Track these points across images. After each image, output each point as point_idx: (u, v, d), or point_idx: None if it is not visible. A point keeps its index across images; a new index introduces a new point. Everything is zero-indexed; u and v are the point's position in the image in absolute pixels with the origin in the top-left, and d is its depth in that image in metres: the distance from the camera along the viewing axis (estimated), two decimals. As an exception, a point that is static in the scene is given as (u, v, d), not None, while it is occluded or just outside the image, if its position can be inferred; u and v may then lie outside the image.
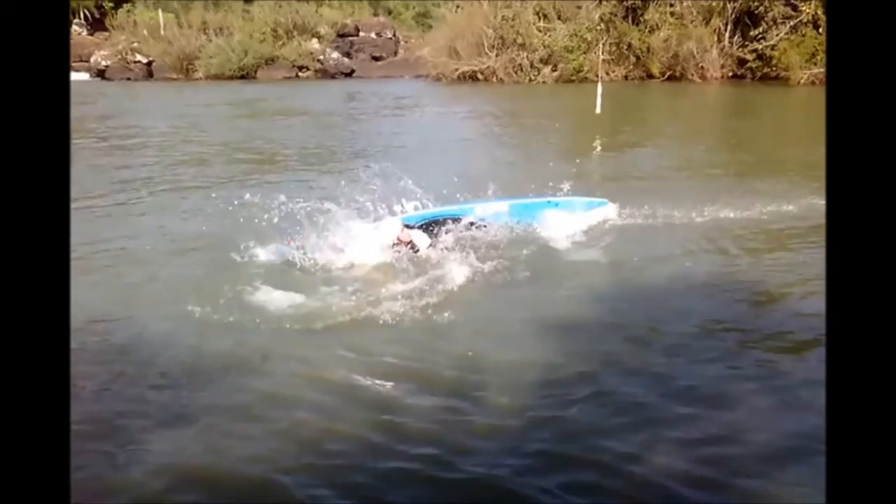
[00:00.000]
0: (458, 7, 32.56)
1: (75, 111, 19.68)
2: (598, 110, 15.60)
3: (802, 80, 24.26)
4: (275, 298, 5.14)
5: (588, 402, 3.72)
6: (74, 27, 47.20)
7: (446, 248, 6.16)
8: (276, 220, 6.04)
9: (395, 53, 38.40)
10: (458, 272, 5.68)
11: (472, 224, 6.49)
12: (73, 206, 8.05)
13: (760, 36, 25.81)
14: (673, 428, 3.49)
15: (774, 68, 25.71)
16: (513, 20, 27.62)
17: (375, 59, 37.44)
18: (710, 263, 5.95)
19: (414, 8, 46.64)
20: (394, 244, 5.95)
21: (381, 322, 4.78)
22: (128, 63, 34.69)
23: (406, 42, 39.74)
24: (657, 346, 4.44)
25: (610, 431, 3.46)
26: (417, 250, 6.01)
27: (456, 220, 6.53)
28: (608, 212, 6.96)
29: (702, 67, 26.86)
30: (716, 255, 6.17)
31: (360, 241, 5.98)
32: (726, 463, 3.21)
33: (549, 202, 6.97)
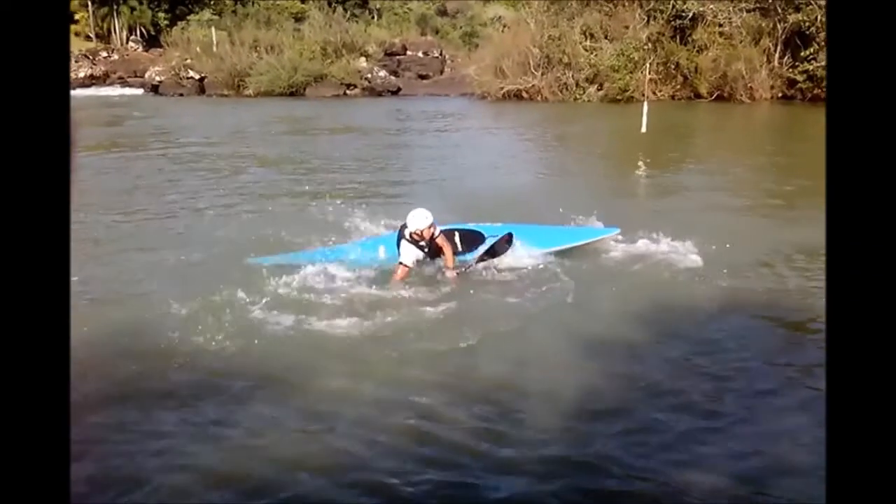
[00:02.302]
0: (504, 27, 32.79)
1: (137, 125, 20.28)
2: (643, 130, 15.47)
3: (855, 102, 23.68)
4: (308, 311, 5.24)
5: (625, 427, 3.73)
6: (131, 44, 48.92)
7: (481, 264, 6.24)
8: (316, 234, 6.15)
9: (442, 72, 38.73)
10: (493, 291, 5.76)
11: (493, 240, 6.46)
12: (119, 216, 8.33)
13: (811, 56, 25.33)
14: (708, 448, 3.53)
15: (825, 89, 25.19)
16: (559, 39, 27.64)
17: (422, 77, 37.81)
18: (754, 287, 5.86)
19: (461, 27, 47.00)
20: (414, 233, 5.97)
21: (414, 338, 4.85)
22: (181, 79, 35.55)
23: (452, 61, 40.06)
24: (700, 369, 4.42)
25: (648, 452, 3.48)
26: (437, 248, 6.10)
27: (476, 234, 6.53)
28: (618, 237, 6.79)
29: (750, 88, 26.44)
30: (761, 278, 6.08)
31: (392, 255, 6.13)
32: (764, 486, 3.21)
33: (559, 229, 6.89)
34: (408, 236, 5.96)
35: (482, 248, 6.32)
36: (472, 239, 6.49)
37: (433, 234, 6.01)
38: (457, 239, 6.47)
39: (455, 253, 6.26)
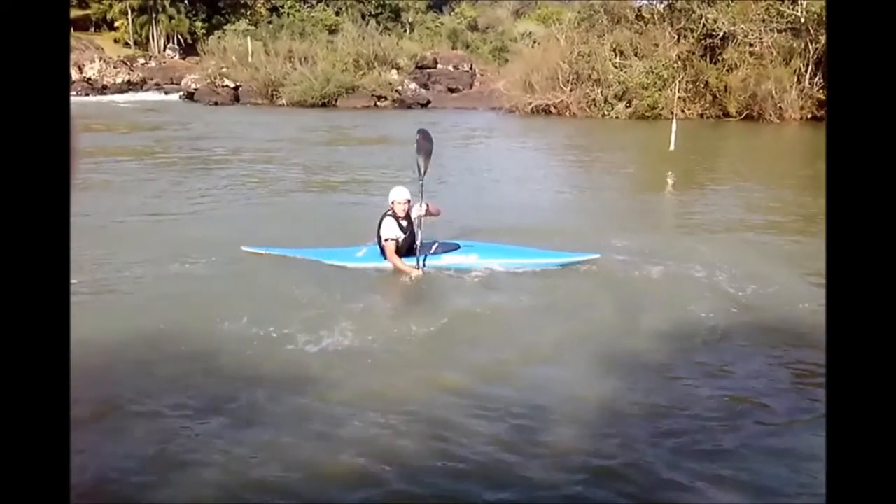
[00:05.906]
0: (535, 42, 32.99)
1: (171, 131, 20.60)
2: (671, 147, 15.47)
3: (886, 124, 23.43)
4: (309, 317, 5.31)
5: (639, 441, 3.74)
6: (168, 51, 49.90)
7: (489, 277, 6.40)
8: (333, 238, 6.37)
9: (471, 86, 39.01)
10: (505, 300, 5.85)
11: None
12: (145, 219, 8.61)
13: (843, 78, 25.20)
14: (717, 465, 3.55)
15: (826, 109, 24.90)
16: (589, 56, 27.82)
17: (451, 90, 38.13)
18: (775, 308, 5.82)
19: (491, 42, 47.31)
20: (391, 207, 6.44)
21: (423, 346, 4.91)
22: (216, 87, 36.05)
23: (482, 75, 40.33)
24: (718, 387, 4.45)
25: (662, 467, 3.49)
26: (407, 228, 6.47)
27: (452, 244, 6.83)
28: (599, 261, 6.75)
29: (780, 108, 26.32)
30: (783, 299, 6.02)
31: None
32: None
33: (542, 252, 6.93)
34: (389, 213, 6.47)
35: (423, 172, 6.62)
36: (447, 248, 6.78)
37: (408, 210, 6.48)
38: (435, 246, 6.75)
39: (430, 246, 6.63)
